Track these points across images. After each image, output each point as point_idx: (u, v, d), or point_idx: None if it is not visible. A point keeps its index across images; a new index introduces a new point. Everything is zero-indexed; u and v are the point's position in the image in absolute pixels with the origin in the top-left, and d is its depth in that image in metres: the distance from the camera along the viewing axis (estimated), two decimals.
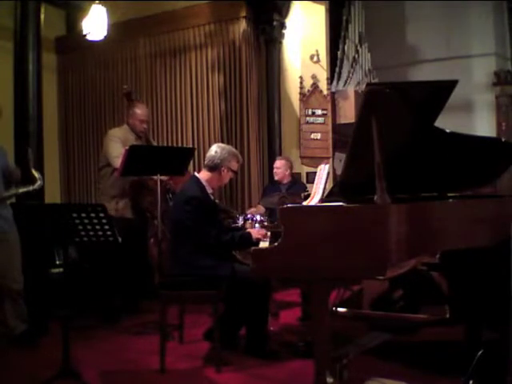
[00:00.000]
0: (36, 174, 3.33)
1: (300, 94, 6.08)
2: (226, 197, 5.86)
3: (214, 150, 3.32)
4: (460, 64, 6.69)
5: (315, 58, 6.10)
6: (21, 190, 3.32)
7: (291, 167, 5.23)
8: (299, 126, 6.09)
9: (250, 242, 3.13)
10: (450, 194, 2.97)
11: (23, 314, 3.46)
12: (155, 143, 4.63)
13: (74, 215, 2.53)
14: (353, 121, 5.93)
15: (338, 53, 6.57)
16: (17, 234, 3.40)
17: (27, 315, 3.47)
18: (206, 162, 3.34)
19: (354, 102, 6.29)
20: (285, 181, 5.15)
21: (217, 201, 3.64)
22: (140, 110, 4.29)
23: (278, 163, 5.18)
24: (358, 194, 2.59)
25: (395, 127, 2.39)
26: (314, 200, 3.11)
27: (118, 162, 3.88)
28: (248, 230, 3.39)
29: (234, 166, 3.34)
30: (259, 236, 3.20)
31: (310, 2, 6.14)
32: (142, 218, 4.35)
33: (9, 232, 3.35)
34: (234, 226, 3.99)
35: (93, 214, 2.52)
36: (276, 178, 5.20)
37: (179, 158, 3.92)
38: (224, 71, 5.89)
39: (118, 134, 4.21)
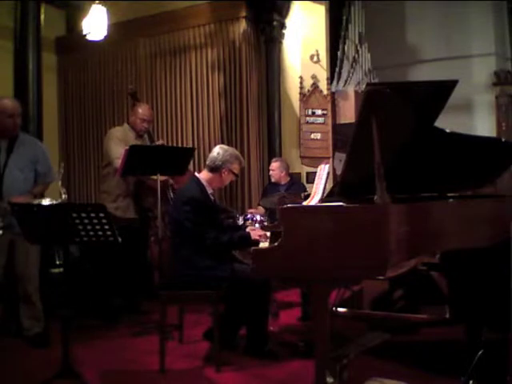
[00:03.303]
0: (61, 189, 3.36)
1: (300, 94, 6.08)
2: (226, 197, 5.86)
3: (217, 151, 3.30)
4: (460, 64, 6.67)
5: (315, 58, 6.10)
6: (44, 203, 3.33)
7: (287, 168, 5.23)
8: (299, 126, 6.09)
9: (249, 242, 3.13)
10: (450, 194, 2.97)
11: (37, 315, 3.47)
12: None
13: (74, 215, 2.53)
14: (353, 121, 5.92)
15: (338, 53, 6.56)
16: None
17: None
18: (207, 163, 3.33)
19: (354, 102, 6.28)
20: (283, 181, 5.16)
21: (217, 201, 3.63)
22: (142, 110, 4.29)
23: (273, 165, 5.20)
24: (358, 194, 2.59)
25: (395, 127, 2.39)
26: (313, 200, 3.11)
27: (118, 163, 3.90)
28: (248, 229, 3.37)
29: (236, 168, 3.32)
30: (257, 237, 3.20)
31: (309, 2, 6.14)
32: (144, 217, 4.35)
33: None
34: (234, 225, 3.99)
35: (93, 214, 2.52)
36: (272, 179, 5.21)
37: (179, 158, 3.92)
38: (224, 71, 5.89)
39: (118, 134, 4.20)
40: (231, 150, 3.35)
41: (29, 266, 3.42)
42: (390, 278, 3.46)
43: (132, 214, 4.23)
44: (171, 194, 4.29)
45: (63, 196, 3.34)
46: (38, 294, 3.47)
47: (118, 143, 4.08)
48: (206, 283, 2.98)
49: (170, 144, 6.04)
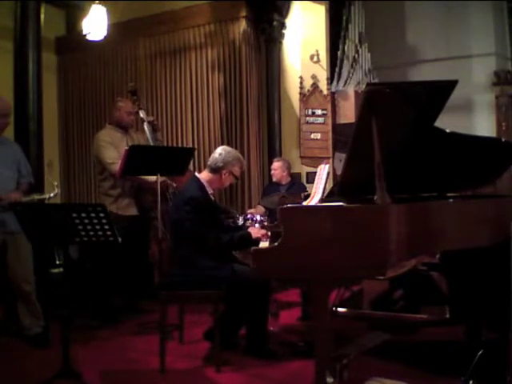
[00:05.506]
0: (54, 183, 3.38)
1: (300, 93, 6.08)
2: (226, 197, 5.86)
3: (219, 152, 3.30)
4: (460, 64, 6.67)
5: (315, 58, 6.09)
6: (37, 197, 3.34)
7: (289, 168, 5.24)
8: (299, 126, 6.09)
9: (249, 242, 3.12)
10: (449, 194, 2.97)
11: (37, 313, 3.48)
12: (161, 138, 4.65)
13: (74, 215, 2.53)
14: (353, 121, 5.92)
15: (338, 53, 6.56)
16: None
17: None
18: (208, 163, 3.34)
19: (354, 102, 6.28)
20: (284, 181, 5.17)
21: (217, 201, 3.63)
22: (125, 103, 4.33)
23: (275, 165, 5.20)
24: (358, 194, 2.59)
25: (395, 127, 2.39)
26: (314, 200, 3.11)
27: (113, 167, 3.94)
28: (249, 229, 3.37)
29: (236, 171, 3.32)
30: (259, 235, 3.20)
31: (310, 2, 6.13)
32: (146, 216, 4.35)
33: (18, 232, 3.35)
34: (234, 225, 3.99)
35: (93, 214, 2.52)
36: (274, 179, 5.22)
37: (179, 158, 3.92)
38: (224, 71, 5.88)
39: (105, 138, 4.19)
40: (234, 152, 3.35)
41: (21, 265, 3.41)
42: (389, 278, 3.46)
43: (134, 211, 4.23)
44: (170, 195, 4.29)
45: (56, 190, 3.36)
46: (35, 292, 3.46)
47: (107, 147, 4.10)
48: (206, 283, 2.98)
49: (170, 144, 6.05)
